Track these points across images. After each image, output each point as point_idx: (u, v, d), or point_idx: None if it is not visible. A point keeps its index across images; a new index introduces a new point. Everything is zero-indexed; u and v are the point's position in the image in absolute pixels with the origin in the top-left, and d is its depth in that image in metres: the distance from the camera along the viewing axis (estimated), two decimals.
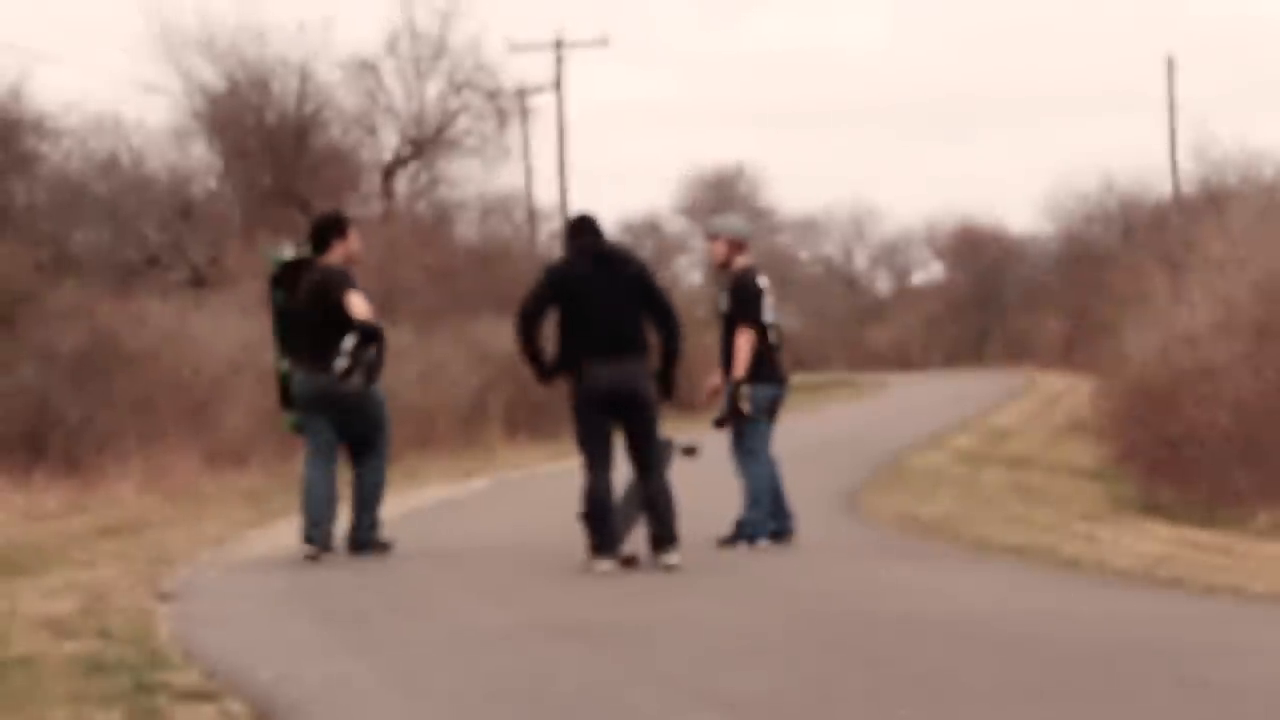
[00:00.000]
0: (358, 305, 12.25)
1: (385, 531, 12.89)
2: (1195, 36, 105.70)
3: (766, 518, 12.83)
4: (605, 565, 11.35)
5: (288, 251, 12.92)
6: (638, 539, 11.86)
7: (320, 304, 12.26)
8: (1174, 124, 56.53)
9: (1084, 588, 10.96)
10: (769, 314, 12.93)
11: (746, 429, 12.78)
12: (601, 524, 11.41)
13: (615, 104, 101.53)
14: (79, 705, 6.72)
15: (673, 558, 11.41)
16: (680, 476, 11.93)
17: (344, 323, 12.16)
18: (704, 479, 14.64)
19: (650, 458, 11.55)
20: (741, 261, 13.03)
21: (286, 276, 12.71)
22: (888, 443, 28.85)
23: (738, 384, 12.66)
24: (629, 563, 11.48)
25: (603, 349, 11.31)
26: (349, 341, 12.04)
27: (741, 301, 12.86)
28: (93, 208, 33.99)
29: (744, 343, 12.72)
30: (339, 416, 12.41)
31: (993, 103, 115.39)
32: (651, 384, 11.49)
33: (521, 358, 11.74)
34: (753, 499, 12.81)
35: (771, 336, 12.96)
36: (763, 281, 12.99)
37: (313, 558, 12.27)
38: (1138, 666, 7.43)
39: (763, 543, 12.79)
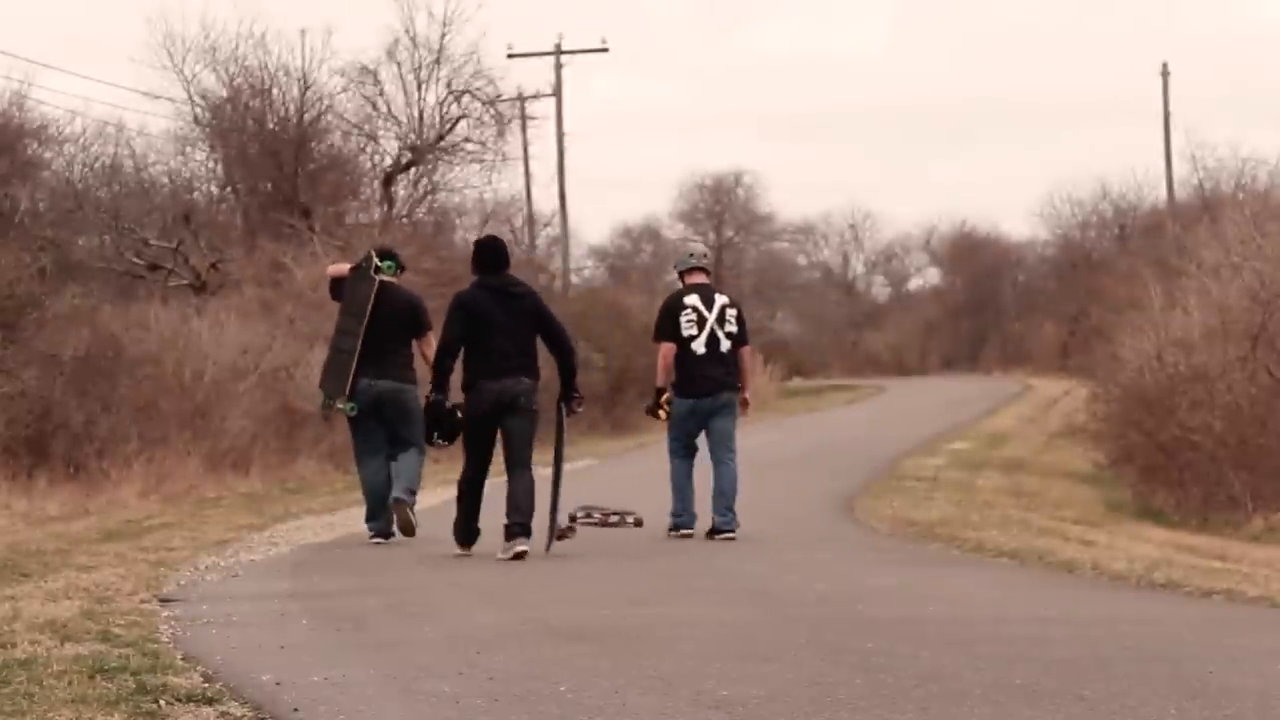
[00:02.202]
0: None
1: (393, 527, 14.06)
2: (1190, 45, 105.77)
3: (680, 510, 14.05)
4: (457, 550, 12.84)
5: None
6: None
7: (409, 326, 13.89)
8: (1169, 131, 56.62)
9: (1080, 591, 11.01)
10: (690, 330, 13.85)
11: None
12: (468, 509, 12.84)
13: (615, 110, 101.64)
14: (81, 708, 6.73)
15: (521, 545, 12.37)
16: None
17: (409, 341, 13.87)
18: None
19: (521, 455, 12.71)
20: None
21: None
22: (885, 447, 28.88)
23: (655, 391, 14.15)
24: (570, 529, 13.14)
25: (494, 372, 12.63)
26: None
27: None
28: (95, 214, 34.04)
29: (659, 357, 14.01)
30: (389, 414, 13.86)
31: (990, 110, 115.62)
32: (534, 397, 12.73)
33: (433, 380, 12.79)
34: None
35: (699, 349, 13.81)
36: (689, 300, 13.92)
37: (380, 541, 13.90)
38: (1133, 669, 7.46)
39: (680, 534, 14.02)
